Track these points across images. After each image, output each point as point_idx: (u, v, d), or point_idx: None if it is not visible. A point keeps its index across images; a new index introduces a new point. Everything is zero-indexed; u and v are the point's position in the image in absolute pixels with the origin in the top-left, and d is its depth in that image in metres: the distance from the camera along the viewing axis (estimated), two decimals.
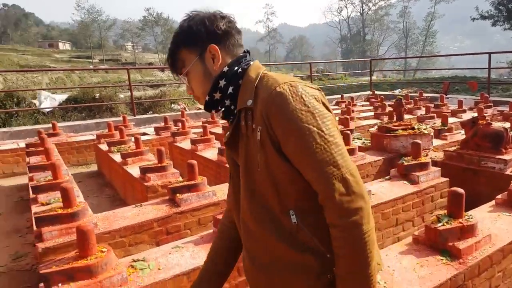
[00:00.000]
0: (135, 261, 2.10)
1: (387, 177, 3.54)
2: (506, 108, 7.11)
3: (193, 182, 3.11)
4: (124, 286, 1.87)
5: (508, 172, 3.52)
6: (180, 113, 7.98)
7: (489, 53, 9.96)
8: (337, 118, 7.53)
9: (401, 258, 2.05)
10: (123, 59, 43.20)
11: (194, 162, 3.19)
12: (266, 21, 69.62)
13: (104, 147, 5.36)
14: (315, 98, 0.95)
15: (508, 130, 4.10)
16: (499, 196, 2.75)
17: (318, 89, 1.00)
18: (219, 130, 6.47)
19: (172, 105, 11.71)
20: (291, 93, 0.93)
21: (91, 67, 27.73)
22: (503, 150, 3.69)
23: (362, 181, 0.94)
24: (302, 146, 0.91)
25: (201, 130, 5.63)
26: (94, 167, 6.28)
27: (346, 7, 56.80)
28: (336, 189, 0.89)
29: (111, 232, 2.61)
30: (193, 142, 5.09)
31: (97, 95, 10.69)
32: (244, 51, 1.11)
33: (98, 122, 7.89)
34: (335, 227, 0.91)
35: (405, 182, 3.35)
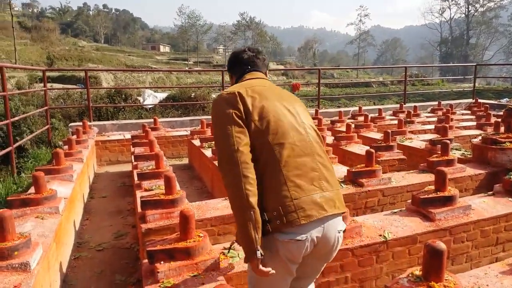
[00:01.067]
0: (226, 249, 2.26)
1: (490, 192, 3.23)
2: None
3: None
4: (216, 270, 2.03)
5: None
6: None
7: None
8: (433, 126, 7.07)
9: (503, 278, 1.88)
10: (215, 62, 45.73)
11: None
12: (358, 23, 67.50)
13: (197, 142, 5.77)
14: (224, 101, 1.57)
15: None
16: None
17: (234, 93, 1.55)
18: None
19: None
20: (214, 102, 1.65)
21: (187, 68, 29.90)
22: None
23: (232, 155, 1.44)
24: (214, 138, 1.60)
25: None
26: (185, 161, 6.80)
27: (450, 8, 52.13)
28: (220, 165, 1.52)
29: (203, 221, 2.83)
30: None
31: (193, 94, 11.52)
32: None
33: (192, 119, 8.50)
34: None
35: (511, 199, 3.03)
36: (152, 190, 3.36)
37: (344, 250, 2.30)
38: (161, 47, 70.55)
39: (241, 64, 1.78)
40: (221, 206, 3.02)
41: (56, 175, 3.77)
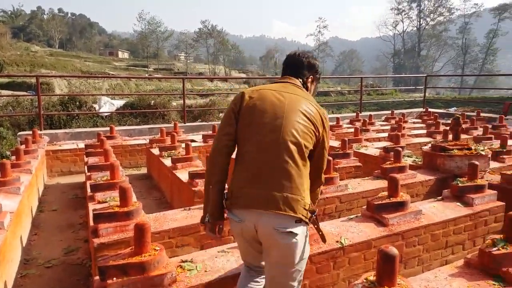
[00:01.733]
0: (183, 262, 2.20)
1: (439, 197, 3.40)
2: None
3: None
4: (173, 285, 1.97)
5: None
6: None
7: None
8: (386, 134, 7.34)
9: (451, 281, 1.97)
10: (176, 69, 45.16)
11: None
12: (318, 34, 69.57)
13: (155, 151, 5.63)
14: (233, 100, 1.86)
15: None
16: None
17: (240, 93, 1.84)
18: None
19: (220, 114, 12.06)
20: None
21: (146, 75, 29.28)
22: None
23: (216, 140, 1.79)
24: None
25: None
26: (143, 170, 6.61)
27: (403, 22, 55.14)
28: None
29: (160, 233, 2.75)
30: None
31: (152, 102, 11.27)
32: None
33: (151, 128, 8.30)
34: None
35: (459, 204, 3.20)
36: (106, 202, 3.22)
37: None
38: (120, 53, 68.57)
39: (283, 66, 2.01)
40: (179, 217, 2.95)
41: (1, 188, 3.53)
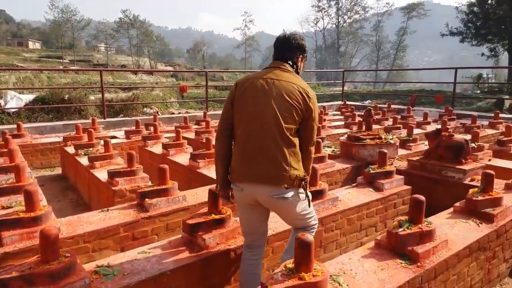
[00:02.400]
0: (99, 267, 2.06)
1: (353, 184, 3.65)
2: (468, 121, 7.48)
3: (163, 186, 3.09)
4: None
5: (466, 181, 3.71)
6: (152, 117, 7.90)
7: (456, 69, 10.41)
8: None
9: (363, 262, 2.12)
10: (95, 60, 42.19)
11: (166, 166, 3.18)
12: (244, 29, 70.06)
13: (70, 149, 5.21)
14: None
15: (469, 142, 4.32)
16: (457, 204, 2.90)
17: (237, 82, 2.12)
18: (191, 135, 6.44)
19: (145, 109, 11.55)
20: None
21: (61, 67, 26.88)
22: (463, 160, 3.89)
23: (219, 125, 2.14)
24: None
25: (173, 134, 5.59)
26: (58, 170, 6.09)
27: (323, 19, 57.83)
28: None
29: (74, 237, 2.55)
30: (165, 146, 5.05)
31: (66, 96, 10.38)
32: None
33: (66, 124, 7.68)
34: None
35: (371, 189, 3.46)
36: (12, 207, 2.91)
37: (227, 250, 2.32)
38: (30, 43, 61.94)
39: (274, 49, 2.20)
40: (96, 220, 2.77)
41: None
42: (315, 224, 2.21)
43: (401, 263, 2.10)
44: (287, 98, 1.96)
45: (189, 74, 40.68)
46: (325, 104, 11.71)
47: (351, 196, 3.30)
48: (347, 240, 3.14)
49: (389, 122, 7.66)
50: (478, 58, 31.27)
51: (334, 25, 57.07)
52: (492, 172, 2.88)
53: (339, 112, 10.23)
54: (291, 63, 2.12)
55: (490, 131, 6.74)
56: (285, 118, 1.95)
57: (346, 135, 5.04)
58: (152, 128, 6.14)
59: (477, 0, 28.07)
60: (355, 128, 6.83)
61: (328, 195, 3.07)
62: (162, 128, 7.26)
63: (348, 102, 11.45)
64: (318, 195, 2.97)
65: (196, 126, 7.25)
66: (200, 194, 3.28)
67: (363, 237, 3.27)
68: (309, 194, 2.13)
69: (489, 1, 27.59)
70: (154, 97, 13.20)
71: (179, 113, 10.79)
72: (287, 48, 2.12)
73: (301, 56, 2.18)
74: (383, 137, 4.73)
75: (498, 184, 3.47)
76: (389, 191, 3.46)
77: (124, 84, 17.78)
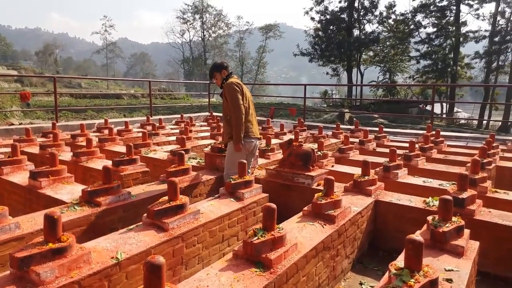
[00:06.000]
0: None
1: (216, 195, 3.67)
2: (316, 132, 8.46)
3: None
4: None
5: (314, 186, 4.14)
6: None
7: (305, 85, 11.84)
8: (175, 137, 7.49)
9: (221, 275, 2.11)
10: None
11: None
12: (104, 33, 65.26)
13: None
14: (235, 86, 4.20)
15: (315, 150, 4.85)
16: (305, 208, 3.18)
17: (238, 82, 4.28)
18: (35, 150, 5.58)
19: None
20: (228, 85, 4.24)
21: None
22: (311, 167, 4.34)
23: (240, 106, 4.15)
24: (229, 98, 4.19)
25: (9, 149, 4.74)
26: None
27: (189, 31, 58.13)
28: (232, 108, 4.16)
29: None
30: None
31: None
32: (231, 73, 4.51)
33: None
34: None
35: (232, 199, 3.54)
36: None
37: (70, 284, 2.02)
38: None
39: (227, 68, 4.43)
40: None
41: None
42: None
43: (256, 271, 2.16)
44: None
45: (39, 79, 35.79)
46: (192, 115, 11.72)
47: (213, 208, 3.31)
48: (210, 253, 3.12)
49: None
50: (324, 76, 36.08)
51: (200, 38, 58.08)
52: (332, 177, 3.27)
53: (206, 123, 10.35)
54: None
55: (333, 140, 7.75)
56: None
57: (210, 146, 5.08)
58: None
59: (321, 26, 32.58)
60: (220, 139, 6.98)
61: (190, 208, 3.00)
62: None
63: (214, 113, 11.70)
64: (178, 209, 2.88)
65: (42, 139, 6.33)
66: (39, 220, 2.81)
67: (225, 248, 3.30)
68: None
69: (331, 27, 32.30)
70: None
71: (20, 124, 9.26)
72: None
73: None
74: None
75: (339, 188, 3.98)
76: (249, 200, 3.60)
77: None
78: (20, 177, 4.09)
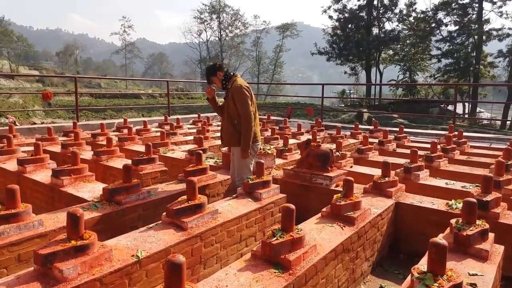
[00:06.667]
0: None
1: (234, 195, 3.68)
2: (334, 132, 8.37)
3: (12, 211, 2.61)
4: None
5: (332, 187, 4.09)
6: (7, 127, 6.77)
7: (323, 85, 11.69)
8: (192, 137, 7.55)
9: (240, 276, 2.11)
10: None
11: (15, 187, 2.70)
12: (123, 34, 66.30)
13: None
14: (245, 91, 4.06)
15: (334, 151, 4.80)
16: (324, 209, 3.15)
17: (247, 86, 4.15)
18: (57, 149, 5.71)
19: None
20: (238, 89, 4.05)
21: None
22: (329, 168, 4.29)
23: (251, 114, 4.08)
24: (239, 104, 4.05)
25: (32, 148, 4.86)
26: None
27: (206, 31, 58.46)
28: (243, 115, 4.03)
29: None
30: (21, 162, 4.35)
31: None
32: (228, 70, 4.30)
33: None
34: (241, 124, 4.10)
35: (249, 199, 3.54)
36: None
37: (91, 281, 2.05)
38: None
39: (222, 68, 4.21)
40: None
41: None
42: None
43: (275, 272, 2.15)
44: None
45: (59, 79, 36.69)
46: (209, 114, 11.78)
47: (231, 208, 3.31)
48: (227, 253, 3.12)
49: (268, 133, 8.07)
50: (342, 75, 35.68)
51: (217, 38, 58.36)
52: (352, 178, 3.22)
53: None
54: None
55: (352, 141, 7.66)
56: None
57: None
58: (5, 141, 5.24)
59: (339, 24, 32.23)
60: None
61: (208, 208, 3.01)
62: (20, 141, 6.29)
63: None
64: (197, 209, 2.89)
65: (64, 138, 6.48)
66: (61, 217, 2.87)
67: (243, 248, 3.30)
68: None
69: (349, 26, 31.93)
70: (11, 105, 11.42)
71: (42, 123, 9.49)
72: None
73: None
74: (261, 147, 4.92)
75: (358, 189, 3.92)
76: (266, 200, 3.58)
77: None
78: (43, 175, 4.19)
